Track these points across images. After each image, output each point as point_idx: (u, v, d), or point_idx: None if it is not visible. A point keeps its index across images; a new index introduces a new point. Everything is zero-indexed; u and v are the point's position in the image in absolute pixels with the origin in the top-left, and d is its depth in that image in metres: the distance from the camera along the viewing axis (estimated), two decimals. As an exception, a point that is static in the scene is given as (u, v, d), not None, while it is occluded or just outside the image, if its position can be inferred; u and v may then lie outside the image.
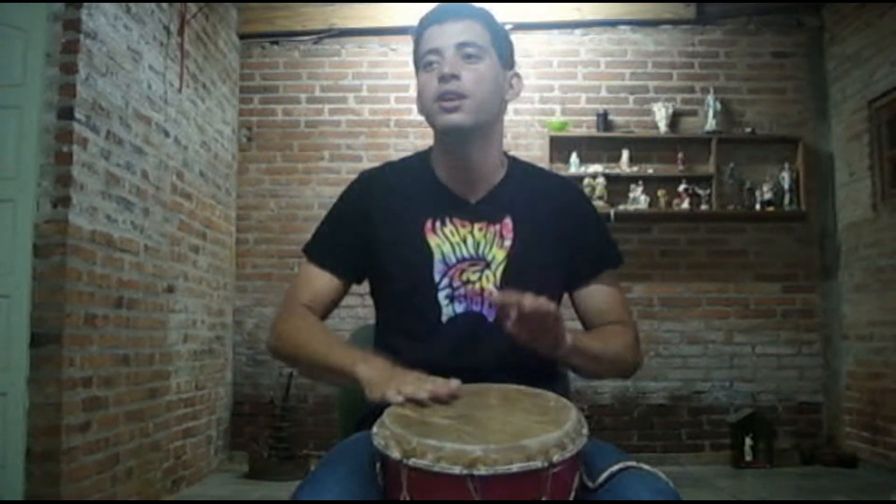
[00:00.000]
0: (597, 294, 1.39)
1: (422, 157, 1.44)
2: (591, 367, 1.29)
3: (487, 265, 1.32)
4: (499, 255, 1.33)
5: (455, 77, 1.28)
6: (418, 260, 1.32)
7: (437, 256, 1.32)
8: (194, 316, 4.10)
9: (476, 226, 1.34)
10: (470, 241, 1.33)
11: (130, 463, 3.28)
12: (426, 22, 1.35)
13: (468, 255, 1.32)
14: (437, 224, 1.34)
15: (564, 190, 1.44)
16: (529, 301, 1.09)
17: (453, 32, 1.31)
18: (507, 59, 1.37)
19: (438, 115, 1.30)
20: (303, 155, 4.90)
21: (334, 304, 1.40)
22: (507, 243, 1.33)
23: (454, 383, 1.07)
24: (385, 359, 1.18)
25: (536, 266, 1.33)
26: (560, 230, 1.37)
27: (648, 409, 4.70)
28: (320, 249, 1.40)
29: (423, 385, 1.06)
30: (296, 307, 1.36)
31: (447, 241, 1.33)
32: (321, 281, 1.38)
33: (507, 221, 1.35)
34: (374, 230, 1.36)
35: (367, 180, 1.43)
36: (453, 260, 1.32)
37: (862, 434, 4.42)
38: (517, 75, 1.40)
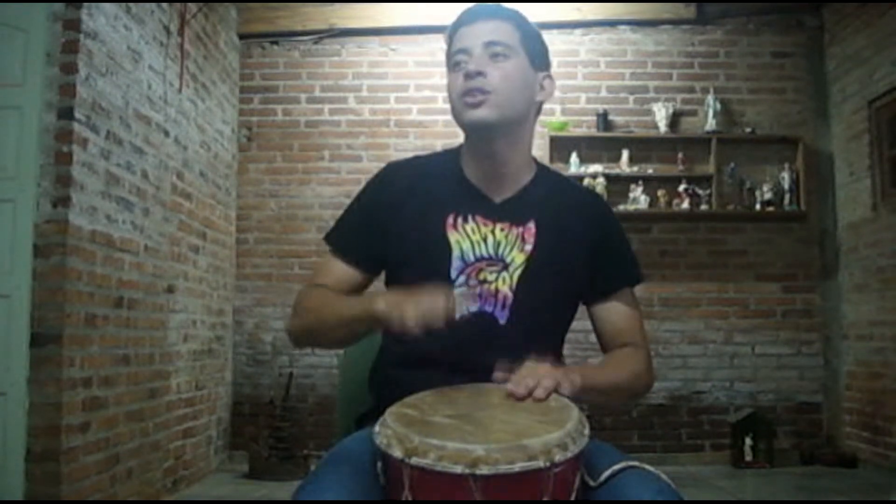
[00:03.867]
0: (614, 311, 1.38)
1: (451, 154, 1.43)
2: (600, 400, 1.30)
3: (506, 267, 1.31)
4: (518, 258, 1.31)
5: (480, 74, 1.28)
6: (436, 255, 1.31)
7: (455, 253, 1.31)
8: (194, 316, 4.10)
9: (498, 226, 1.33)
10: (490, 240, 1.32)
11: (130, 463, 3.27)
12: (457, 23, 1.35)
13: (487, 255, 1.31)
14: (459, 220, 1.33)
15: (593, 203, 1.44)
16: (540, 391, 1.07)
17: (482, 32, 1.31)
18: (538, 60, 1.36)
19: (463, 111, 1.30)
20: (303, 155, 4.90)
21: (356, 293, 1.38)
22: (528, 247, 1.32)
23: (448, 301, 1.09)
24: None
25: (554, 275, 1.32)
26: (583, 242, 1.36)
27: (648, 409, 4.70)
28: (342, 240, 1.39)
29: (435, 309, 1.07)
30: (314, 287, 1.36)
31: (467, 238, 1.32)
32: (342, 271, 1.37)
33: (531, 226, 1.33)
34: (395, 221, 1.35)
35: (393, 172, 1.42)
36: (472, 258, 1.31)
37: (862, 434, 4.42)
38: (549, 77, 1.38)
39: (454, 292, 1.10)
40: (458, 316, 1.11)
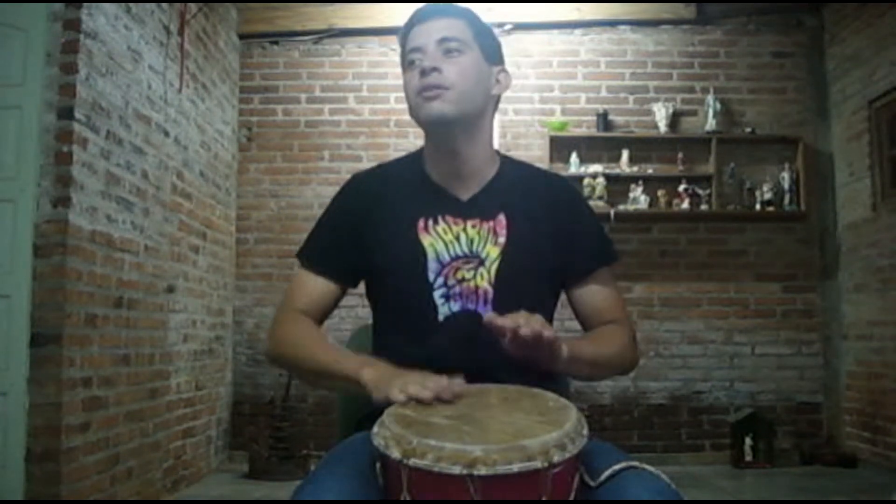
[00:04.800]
0: (593, 292, 1.39)
1: (413, 157, 1.44)
2: (588, 372, 1.30)
3: (482, 262, 1.32)
4: (493, 252, 1.32)
5: (436, 70, 1.29)
6: (412, 260, 1.32)
7: (430, 255, 1.32)
8: (194, 316, 4.10)
9: (469, 223, 1.34)
10: (463, 238, 1.33)
11: (130, 463, 3.28)
12: (410, 23, 1.36)
13: (462, 253, 1.32)
14: (430, 223, 1.34)
15: (558, 187, 1.44)
16: (525, 328, 1.09)
17: (434, 30, 1.32)
18: (492, 54, 1.37)
19: (420, 107, 1.31)
20: (303, 155, 4.90)
21: (330, 308, 1.40)
22: (501, 240, 1.33)
23: (457, 382, 1.07)
24: (388, 362, 1.18)
25: (531, 264, 1.33)
26: (554, 227, 1.36)
27: (648, 409, 4.70)
28: (314, 255, 1.40)
29: (427, 384, 1.06)
30: (292, 314, 1.36)
31: (440, 239, 1.33)
32: (316, 286, 1.37)
33: (501, 218, 1.34)
34: (367, 232, 1.36)
35: (358, 183, 1.44)
36: (447, 258, 1.32)
37: (862, 434, 4.42)
38: (504, 71, 1.40)
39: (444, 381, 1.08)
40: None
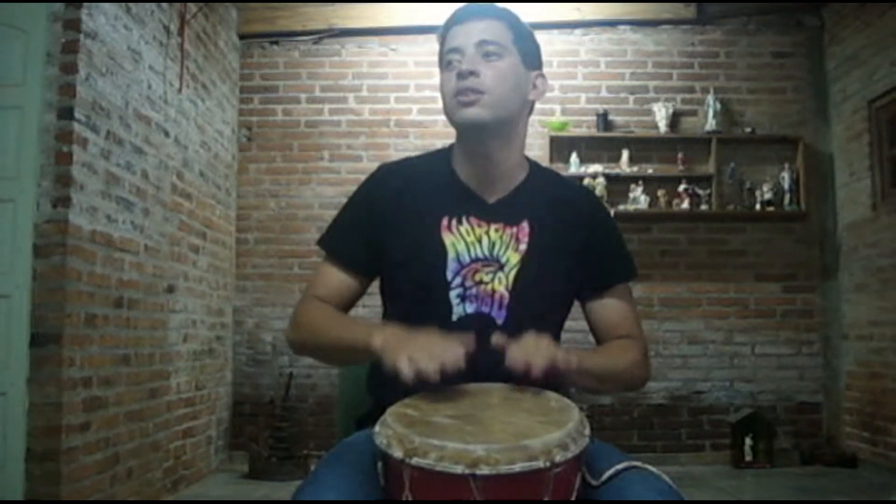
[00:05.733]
0: (609, 307, 1.38)
1: (443, 154, 1.43)
2: (595, 385, 1.29)
3: (501, 267, 1.31)
4: (513, 258, 1.31)
5: (473, 73, 1.27)
6: (432, 257, 1.31)
7: (450, 255, 1.31)
8: (194, 316, 4.10)
9: (493, 226, 1.33)
10: (485, 241, 1.32)
11: (130, 463, 3.27)
12: (449, 23, 1.35)
13: (482, 256, 1.31)
14: (454, 222, 1.33)
15: (585, 199, 1.43)
16: (536, 370, 1.08)
17: (474, 31, 1.31)
18: (531, 59, 1.36)
19: (456, 110, 1.30)
20: (303, 155, 4.90)
21: (352, 300, 1.38)
22: (523, 247, 1.32)
23: (465, 343, 1.09)
24: (399, 327, 1.17)
25: (549, 273, 1.32)
26: (577, 239, 1.35)
27: (648, 409, 4.70)
28: (336, 243, 1.39)
29: (434, 352, 1.05)
30: (310, 300, 1.35)
31: (462, 239, 1.32)
32: (337, 277, 1.36)
33: (525, 225, 1.33)
34: (389, 224, 1.34)
35: (385, 174, 1.41)
36: (467, 259, 1.31)
37: (862, 434, 4.42)
38: (542, 76, 1.38)
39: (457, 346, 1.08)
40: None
